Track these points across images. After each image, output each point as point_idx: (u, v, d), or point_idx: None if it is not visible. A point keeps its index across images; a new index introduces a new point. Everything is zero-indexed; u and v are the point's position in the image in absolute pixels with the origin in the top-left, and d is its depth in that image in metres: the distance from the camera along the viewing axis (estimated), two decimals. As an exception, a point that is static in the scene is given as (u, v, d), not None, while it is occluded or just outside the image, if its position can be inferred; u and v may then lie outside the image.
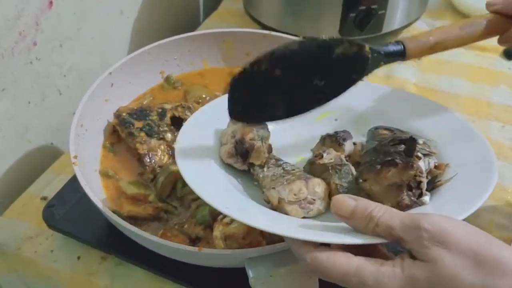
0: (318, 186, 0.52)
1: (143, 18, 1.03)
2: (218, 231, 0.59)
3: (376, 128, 0.61)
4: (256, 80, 0.51)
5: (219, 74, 0.86)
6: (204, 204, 0.64)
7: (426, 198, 0.50)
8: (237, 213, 0.47)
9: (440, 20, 1.09)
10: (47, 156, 0.85)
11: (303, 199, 0.51)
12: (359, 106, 0.66)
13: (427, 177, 0.51)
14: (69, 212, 0.69)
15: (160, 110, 0.75)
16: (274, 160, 0.57)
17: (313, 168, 0.56)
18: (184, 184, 0.67)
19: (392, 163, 0.49)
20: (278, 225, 0.47)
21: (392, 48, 0.53)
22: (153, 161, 0.70)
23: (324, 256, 0.42)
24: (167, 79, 0.84)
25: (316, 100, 0.52)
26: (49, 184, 0.76)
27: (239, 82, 0.52)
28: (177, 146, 0.58)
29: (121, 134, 0.74)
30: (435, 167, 0.54)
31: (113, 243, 0.66)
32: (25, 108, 0.80)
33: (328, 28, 0.94)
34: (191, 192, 0.66)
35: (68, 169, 0.74)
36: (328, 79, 0.51)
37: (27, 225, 0.71)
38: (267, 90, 0.52)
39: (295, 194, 0.51)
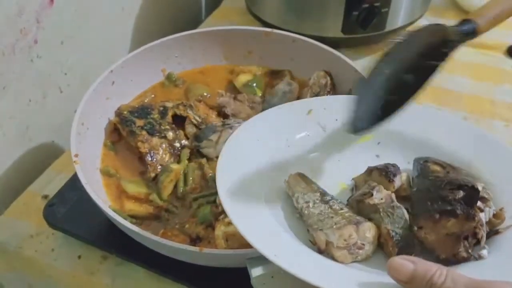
0: (369, 231, 0.49)
1: (145, 16, 1.02)
2: (219, 230, 0.59)
3: (426, 161, 0.56)
4: (366, 93, 0.54)
5: (221, 72, 0.86)
6: (205, 203, 0.64)
7: (485, 252, 0.47)
8: (287, 263, 0.45)
9: (444, 18, 1.09)
10: (48, 155, 0.84)
11: (352, 244, 0.48)
12: (403, 129, 0.61)
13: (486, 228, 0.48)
14: (70, 211, 0.69)
15: (161, 109, 0.75)
16: (319, 194, 0.53)
17: (361, 206, 0.52)
18: (186, 184, 0.67)
19: (453, 213, 0.46)
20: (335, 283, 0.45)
21: (465, 28, 0.54)
22: (155, 159, 0.69)
23: None
24: (168, 77, 0.83)
25: (408, 95, 0.55)
26: (50, 183, 0.76)
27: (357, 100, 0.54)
28: (218, 180, 0.53)
29: (122, 132, 0.73)
30: (494, 215, 0.50)
31: (114, 242, 0.65)
32: (26, 106, 0.79)
33: (330, 26, 0.93)
34: (192, 191, 0.67)
35: (69, 167, 0.74)
36: (417, 71, 0.54)
37: (28, 224, 0.71)
38: (375, 98, 0.54)
39: (345, 240, 0.48)
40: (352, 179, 0.57)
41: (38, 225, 0.70)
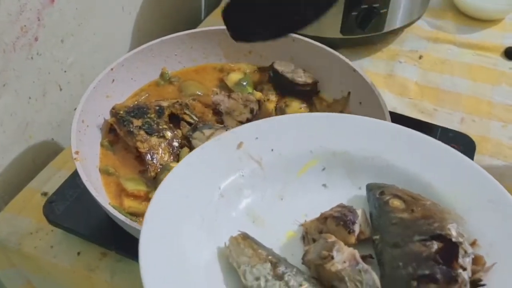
0: None
1: (145, 14, 1.03)
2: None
3: (382, 192, 0.50)
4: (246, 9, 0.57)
5: (211, 70, 0.85)
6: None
7: None
8: None
9: (442, 20, 1.09)
10: (47, 152, 0.85)
11: None
12: (349, 149, 0.55)
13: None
14: (69, 208, 0.69)
15: (157, 108, 0.75)
16: (270, 265, 0.44)
17: (322, 272, 0.44)
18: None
19: (432, 278, 0.40)
20: None
21: None
22: (155, 159, 0.69)
23: None
24: (162, 76, 0.83)
25: (300, 23, 0.56)
26: (50, 180, 0.76)
27: (231, 11, 0.58)
28: (141, 258, 0.44)
29: (119, 132, 0.73)
30: (473, 261, 0.44)
31: (113, 239, 0.66)
32: (26, 104, 0.80)
33: (330, 26, 0.94)
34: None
35: (69, 165, 0.74)
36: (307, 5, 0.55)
37: (28, 220, 0.72)
38: (257, 15, 0.56)
39: None
40: (301, 225, 0.50)
41: (38, 222, 0.71)
